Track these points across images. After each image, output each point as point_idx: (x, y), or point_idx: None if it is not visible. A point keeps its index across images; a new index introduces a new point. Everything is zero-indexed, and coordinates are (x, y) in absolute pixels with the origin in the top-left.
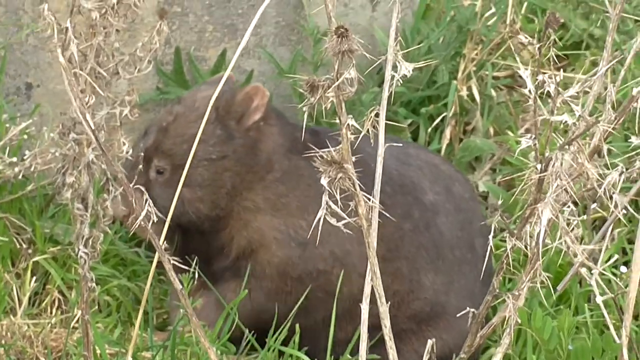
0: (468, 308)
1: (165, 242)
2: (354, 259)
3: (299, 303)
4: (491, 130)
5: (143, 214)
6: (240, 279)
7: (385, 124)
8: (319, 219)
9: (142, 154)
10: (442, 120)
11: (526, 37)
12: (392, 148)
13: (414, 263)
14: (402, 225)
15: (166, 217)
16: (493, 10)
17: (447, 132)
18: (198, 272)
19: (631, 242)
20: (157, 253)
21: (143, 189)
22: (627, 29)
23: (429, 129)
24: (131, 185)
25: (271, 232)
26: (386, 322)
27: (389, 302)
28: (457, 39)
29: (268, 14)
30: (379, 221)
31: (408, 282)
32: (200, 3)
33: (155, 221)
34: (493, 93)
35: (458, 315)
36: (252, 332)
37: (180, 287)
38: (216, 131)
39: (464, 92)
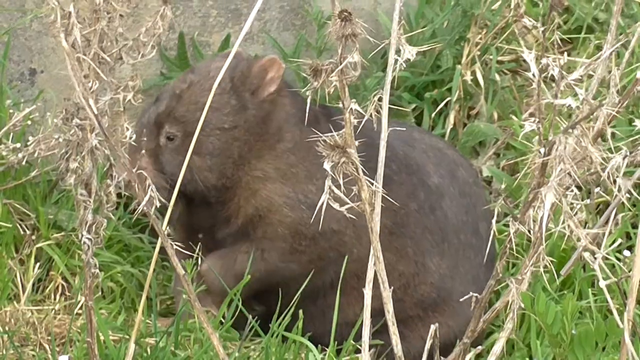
0: (472, 293)
1: (168, 220)
2: (366, 220)
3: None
4: (495, 115)
5: (146, 199)
6: (250, 242)
7: (389, 108)
8: (322, 203)
9: (154, 119)
10: (446, 104)
11: (530, 21)
12: (397, 131)
13: (418, 245)
14: (408, 204)
15: (174, 184)
16: None
17: (451, 117)
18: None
19: (635, 226)
20: (159, 239)
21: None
22: (632, 13)
23: (433, 114)
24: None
25: (280, 198)
26: (389, 307)
27: (396, 285)
28: (462, 24)
29: None
30: (386, 192)
31: (413, 263)
32: None
33: (158, 206)
34: (497, 77)
35: (462, 299)
36: (256, 318)
37: (183, 272)
38: (231, 101)
39: (468, 77)
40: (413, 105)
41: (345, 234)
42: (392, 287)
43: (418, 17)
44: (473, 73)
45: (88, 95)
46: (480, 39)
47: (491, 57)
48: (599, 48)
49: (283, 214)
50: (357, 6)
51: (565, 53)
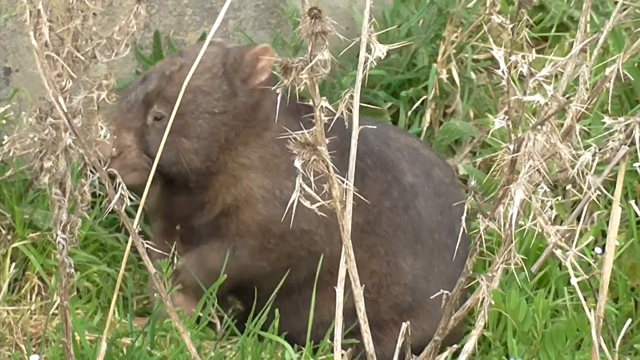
0: (442, 291)
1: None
2: (337, 220)
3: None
4: (471, 113)
5: (116, 197)
6: (221, 238)
7: (366, 107)
8: (293, 200)
9: (142, 98)
10: (422, 103)
11: (499, 18)
12: (373, 128)
13: (390, 244)
14: (382, 202)
15: (158, 163)
16: None
17: (427, 115)
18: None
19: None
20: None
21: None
22: (607, 11)
23: (409, 112)
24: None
25: (259, 191)
26: (361, 305)
27: (368, 284)
28: (437, 22)
29: None
30: (359, 189)
31: (385, 263)
32: None
33: (129, 204)
34: (473, 76)
35: (432, 297)
36: (232, 317)
37: (155, 271)
38: (222, 86)
39: (444, 75)
40: (389, 104)
41: (316, 233)
42: (364, 286)
43: (393, 15)
44: (449, 71)
45: (58, 93)
46: (456, 37)
47: (467, 55)
48: (584, 51)
49: (256, 209)
50: (333, 4)
51: (539, 51)
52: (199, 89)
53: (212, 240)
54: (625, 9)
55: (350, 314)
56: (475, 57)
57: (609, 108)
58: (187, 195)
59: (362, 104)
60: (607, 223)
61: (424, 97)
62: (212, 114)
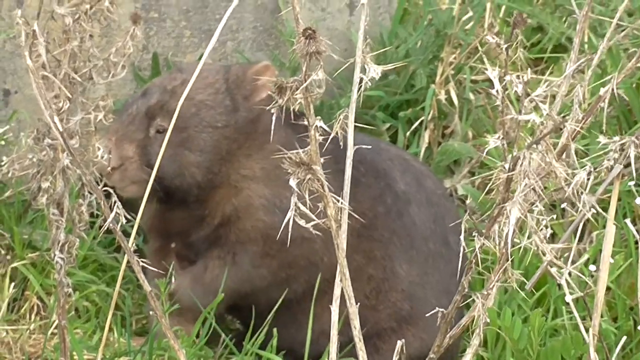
0: (438, 308)
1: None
2: None
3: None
4: (470, 134)
5: (112, 215)
6: (221, 248)
7: (364, 128)
8: (289, 218)
9: (144, 111)
10: (420, 124)
11: (494, 38)
12: (364, 140)
13: (387, 249)
14: (376, 207)
15: (159, 175)
16: (471, 13)
17: (426, 136)
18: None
19: None
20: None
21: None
22: (605, 32)
23: (408, 133)
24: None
25: (259, 200)
26: (356, 323)
27: (367, 290)
28: (435, 43)
29: (246, 19)
30: (355, 194)
31: (382, 268)
32: (177, 9)
33: (124, 223)
34: (471, 97)
35: (427, 315)
36: (231, 336)
37: (150, 289)
38: (225, 101)
39: (442, 96)
40: (387, 125)
41: (315, 241)
42: (364, 292)
43: (392, 36)
44: (447, 92)
45: (54, 113)
46: (454, 58)
47: (465, 76)
48: (581, 71)
49: (257, 217)
50: (331, 26)
51: (537, 72)
52: (203, 103)
53: (210, 252)
54: (623, 30)
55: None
56: (473, 78)
57: (604, 128)
58: (184, 210)
59: (360, 125)
60: None
61: (422, 118)
62: (215, 127)
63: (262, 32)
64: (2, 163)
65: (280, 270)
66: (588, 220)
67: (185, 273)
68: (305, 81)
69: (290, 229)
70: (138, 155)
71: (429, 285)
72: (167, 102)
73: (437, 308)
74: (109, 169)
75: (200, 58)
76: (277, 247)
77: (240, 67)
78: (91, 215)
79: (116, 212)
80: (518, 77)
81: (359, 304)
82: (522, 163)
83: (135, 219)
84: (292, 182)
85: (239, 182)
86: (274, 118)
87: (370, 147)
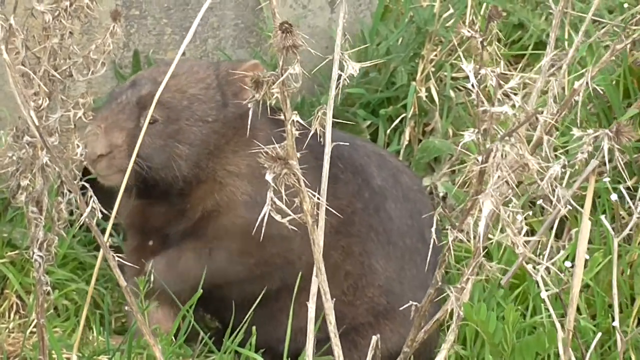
0: (412, 302)
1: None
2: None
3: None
4: (450, 131)
5: (87, 210)
6: (198, 240)
7: (345, 125)
8: (264, 214)
9: (135, 100)
10: (401, 121)
11: (469, 31)
12: (341, 137)
13: (364, 245)
14: (354, 203)
15: (148, 165)
16: (452, 11)
17: (406, 133)
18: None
19: (590, 241)
20: (101, 250)
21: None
22: (586, 29)
23: (388, 130)
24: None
25: (242, 196)
26: (331, 319)
27: (344, 286)
28: (416, 40)
29: (227, 16)
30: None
31: (359, 264)
32: (158, 6)
33: (101, 216)
34: (452, 94)
35: (401, 308)
36: (209, 334)
37: (125, 284)
38: (215, 96)
39: (423, 93)
40: (368, 122)
41: (294, 240)
42: (341, 288)
43: (373, 34)
44: (428, 90)
45: (31, 110)
46: (435, 55)
47: (446, 73)
48: (553, 66)
49: (238, 213)
50: (313, 23)
51: (518, 69)
52: (195, 97)
53: (186, 242)
54: (603, 27)
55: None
56: (454, 75)
57: (585, 125)
58: (164, 205)
59: (341, 122)
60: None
61: (403, 115)
62: (205, 121)
63: (243, 30)
64: None
65: (256, 268)
66: (567, 217)
67: (161, 257)
68: (282, 75)
69: (268, 226)
70: (127, 144)
71: (406, 281)
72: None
73: (415, 301)
74: (97, 155)
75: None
76: (255, 244)
77: (229, 64)
78: (70, 213)
79: (92, 207)
80: (493, 70)
81: (335, 300)
82: (494, 155)
83: (111, 215)
84: (268, 177)
85: (224, 177)
86: (250, 113)
87: (348, 143)
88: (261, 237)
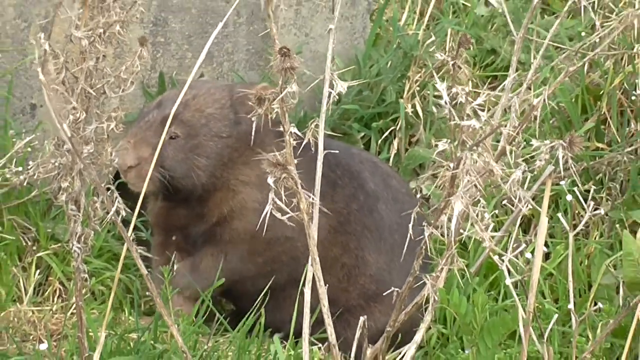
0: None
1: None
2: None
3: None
4: (432, 142)
5: (113, 209)
6: (215, 245)
7: (341, 136)
8: (267, 212)
9: (159, 120)
10: (390, 133)
11: (442, 55)
12: (339, 146)
13: (359, 240)
14: (350, 205)
15: (169, 176)
16: (433, 38)
17: (395, 144)
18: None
19: (552, 236)
20: (125, 244)
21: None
22: (549, 54)
23: (379, 141)
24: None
25: (252, 203)
26: (325, 302)
27: (340, 275)
28: (403, 63)
29: (240, 42)
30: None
31: (354, 256)
32: (180, 34)
33: (124, 215)
34: (434, 110)
35: (385, 294)
36: (224, 315)
37: (146, 272)
38: (230, 115)
39: (409, 109)
40: (362, 134)
41: (297, 240)
42: (337, 277)
43: (366, 58)
44: (413, 106)
45: (62, 120)
46: (420, 76)
47: (429, 92)
48: (520, 84)
49: (248, 219)
50: (314, 49)
51: (492, 88)
52: (212, 116)
53: (206, 248)
54: (565, 52)
55: (334, 302)
56: (436, 93)
57: (538, 134)
58: (186, 208)
59: (338, 134)
60: (549, 235)
61: (392, 127)
62: (220, 137)
63: (254, 54)
64: (29, 167)
65: (265, 265)
66: (533, 216)
67: (185, 262)
68: (281, 93)
69: (274, 229)
70: (152, 157)
71: (395, 271)
72: (180, 113)
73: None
74: (127, 166)
75: (200, 76)
76: (263, 245)
77: (243, 86)
78: (106, 212)
79: (117, 206)
80: (463, 89)
81: (332, 286)
82: (464, 162)
83: (132, 213)
84: (270, 180)
85: (236, 186)
86: (254, 127)
87: (343, 151)
88: (269, 239)
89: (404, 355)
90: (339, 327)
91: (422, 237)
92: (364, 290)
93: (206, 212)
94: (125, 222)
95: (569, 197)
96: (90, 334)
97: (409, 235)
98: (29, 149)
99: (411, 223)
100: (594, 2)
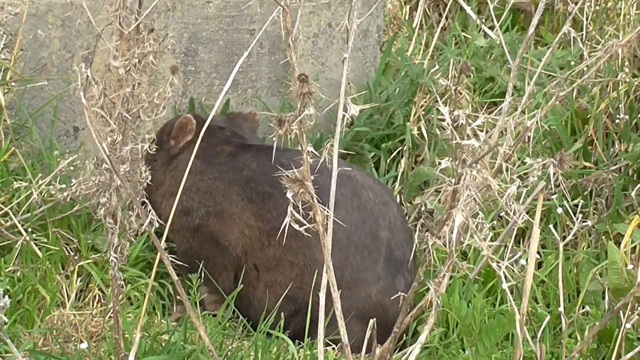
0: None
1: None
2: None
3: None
4: (436, 160)
5: (147, 220)
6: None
7: (352, 155)
8: (285, 225)
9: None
10: (398, 153)
11: (445, 81)
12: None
13: (308, 243)
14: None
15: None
16: (437, 67)
17: (402, 163)
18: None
19: (544, 246)
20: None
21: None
22: (541, 81)
23: (388, 160)
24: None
25: None
26: (338, 306)
27: (292, 274)
28: (410, 90)
29: (262, 71)
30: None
31: (303, 256)
32: (209, 63)
33: (156, 227)
34: (438, 132)
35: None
36: (248, 319)
37: (176, 278)
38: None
39: (415, 131)
40: (372, 154)
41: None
42: (290, 276)
43: (376, 84)
44: (419, 128)
45: (101, 141)
46: (425, 102)
47: (433, 116)
48: (515, 109)
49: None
50: (330, 77)
51: (490, 113)
52: None
53: None
54: (556, 80)
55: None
56: (439, 117)
57: (532, 153)
58: None
59: (351, 153)
60: (541, 245)
61: (400, 148)
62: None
63: (275, 82)
64: (72, 184)
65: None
66: (527, 228)
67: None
68: (299, 115)
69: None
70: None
71: (349, 269)
72: None
73: (354, 282)
74: None
75: (227, 102)
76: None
77: (171, 119)
78: (141, 225)
79: (150, 219)
80: (464, 112)
81: (284, 285)
82: (464, 178)
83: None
84: (289, 195)
85: None
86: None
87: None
88: None
89: (409, 354)
90: (301, 322)
91: (390, 240)
92: (317, 286)
93: None
94: (158, 234)
95: (559, 211)
96: (126, 335)
97: (373, 237)
98: (72, 168)
99: (416, 234)
100: (582, 34)
